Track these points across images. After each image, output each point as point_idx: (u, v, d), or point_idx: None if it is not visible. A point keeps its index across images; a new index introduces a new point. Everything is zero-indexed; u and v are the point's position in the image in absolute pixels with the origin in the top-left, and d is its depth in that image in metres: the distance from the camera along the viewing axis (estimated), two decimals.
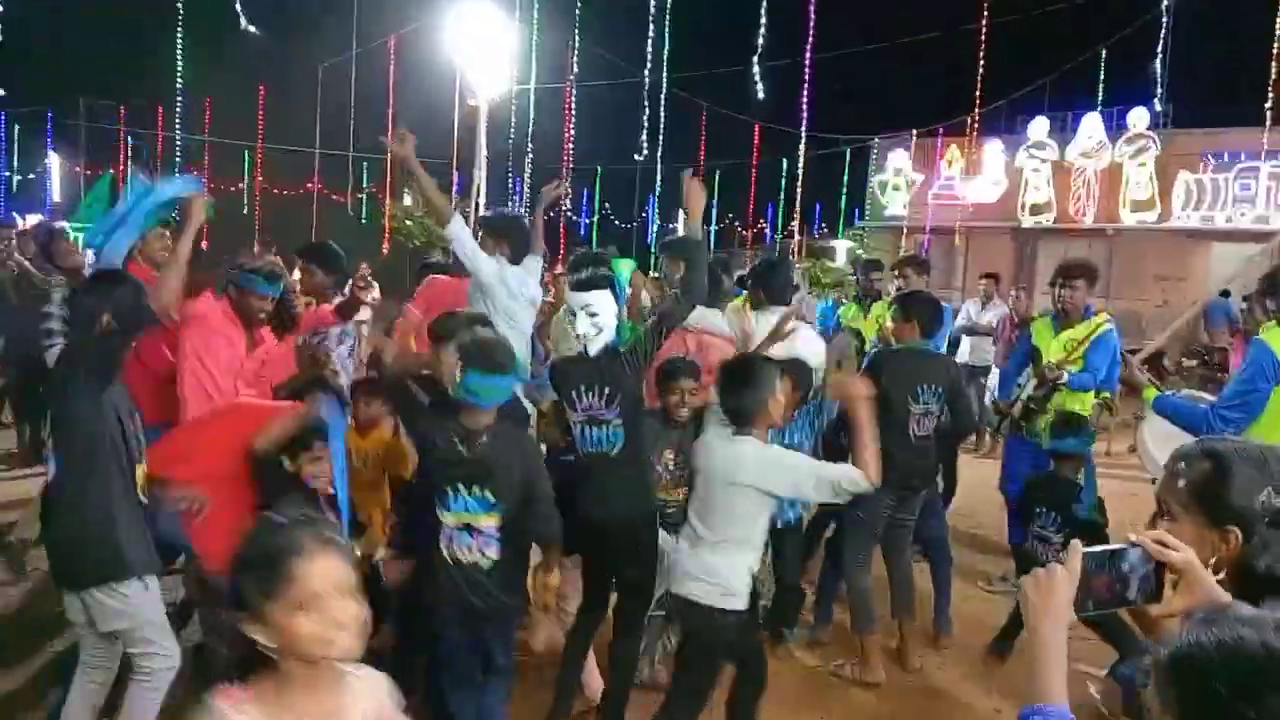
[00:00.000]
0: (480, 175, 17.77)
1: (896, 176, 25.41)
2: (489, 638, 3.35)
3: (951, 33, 18.61)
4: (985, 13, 17.62)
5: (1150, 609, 1.68)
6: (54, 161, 29.26)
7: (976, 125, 21.43)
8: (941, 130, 24.08)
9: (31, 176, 28.77)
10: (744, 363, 3.57)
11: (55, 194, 29.22)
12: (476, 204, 18.04)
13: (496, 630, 3.38)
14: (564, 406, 3.88)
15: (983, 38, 17.91)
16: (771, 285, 5.19)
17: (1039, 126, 22.69)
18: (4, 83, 17.83)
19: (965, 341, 10.32)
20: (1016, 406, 5.75)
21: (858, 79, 29.27)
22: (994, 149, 23.38)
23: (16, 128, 27.08)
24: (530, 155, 21.01)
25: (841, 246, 29.75)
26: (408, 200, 24.20)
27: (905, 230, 24.84)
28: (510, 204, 23.63)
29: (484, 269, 4.76)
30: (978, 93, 19.04)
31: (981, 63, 18.37)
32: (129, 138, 27.99)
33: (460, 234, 4.68)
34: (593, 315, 3.72)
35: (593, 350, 3.75)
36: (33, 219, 19.80)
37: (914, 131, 25.03)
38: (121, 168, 28.10)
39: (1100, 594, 1.63)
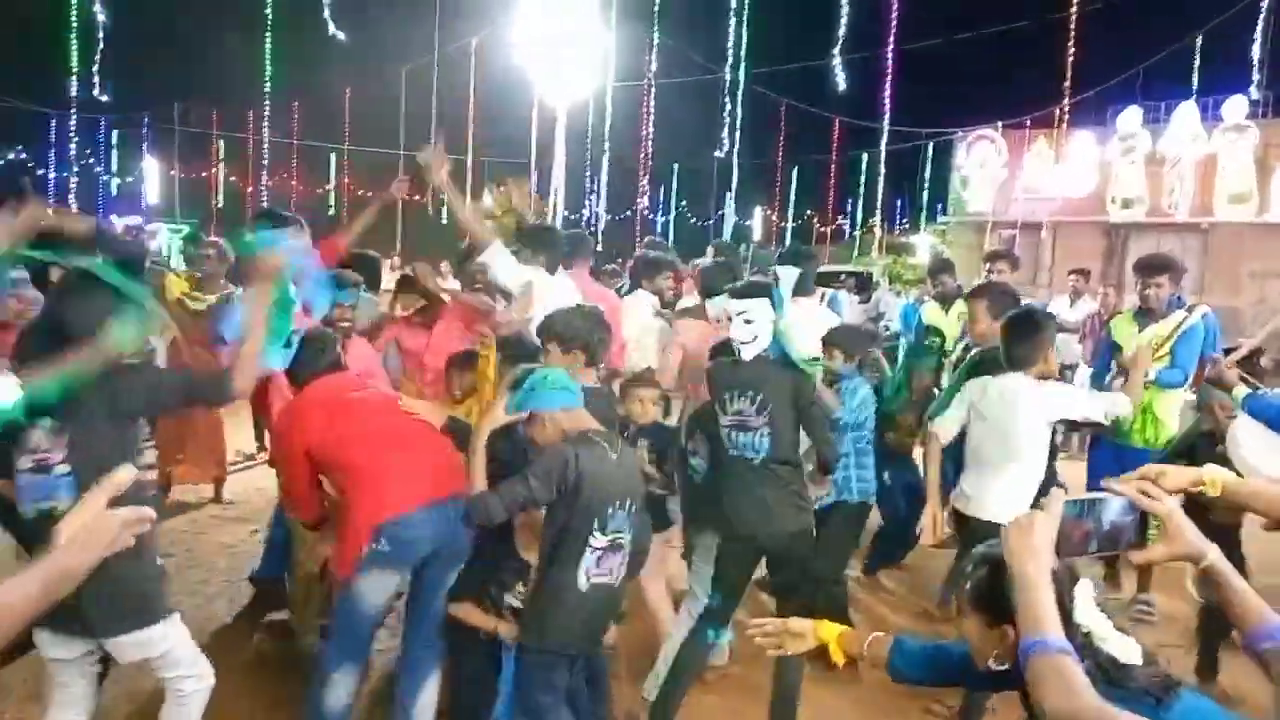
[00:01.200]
0: (558, 176, 17.93)
1: (981, 170, 24.89)
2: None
3: (1040, 22, 18.14)
4: (1075, 1, 17.14)
5: (1132, 556, 1.78)
6: (150, 165, 30.38)
7: (1066, 117, 20.85)
8: (1029, 122, 23.51)
9: (130, 180, 29.89)
10: (1027, 316, 3.99)
11: (151, 196, 30.34)
12: (555, 204, 18.21)
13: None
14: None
15: (1072, 26, 17.40)
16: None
17: (1130, 117, 21.99)
18: (104, 90, 18.54)
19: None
20: None
21: (941, 71, 28.76)
22: (1083, 141, 22.73)
23: (115, 134, 28.15)
24: (607, 155, 21.12)
25: (923, 242, 29.26)
26: (487, 201, 24.52)
27: (990, 225, 24.31)
28: (586, 203, 23.81)
29: (515, 289, 4.72)
30: (1067, 83, 18.51)
31: (1071, 52, 17.85)
32: (221, 141, 28.93)
33: (499, 259, 4.61)
34: (749, 322, 3.75)
35: (746, 356, 3.76)
36: (131, 220, 20.59)
37: (999, 124, 24.47)
38: (213, 170, 29.09)
39: (1076, 540, 1.72)
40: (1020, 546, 1.61)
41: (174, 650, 3.02)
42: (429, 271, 5.30)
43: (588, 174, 22.52)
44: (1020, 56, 25.90)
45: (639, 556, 3.26)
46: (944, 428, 4.08)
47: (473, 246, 4.95)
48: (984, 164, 24.79)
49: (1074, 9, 17.12)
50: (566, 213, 20.97)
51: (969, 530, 3.91)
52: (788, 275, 4.66)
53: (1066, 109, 20.42)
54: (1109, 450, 5.50)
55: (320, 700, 3.22)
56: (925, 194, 27.52)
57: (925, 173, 26.99)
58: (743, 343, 3.74)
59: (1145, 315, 5.54)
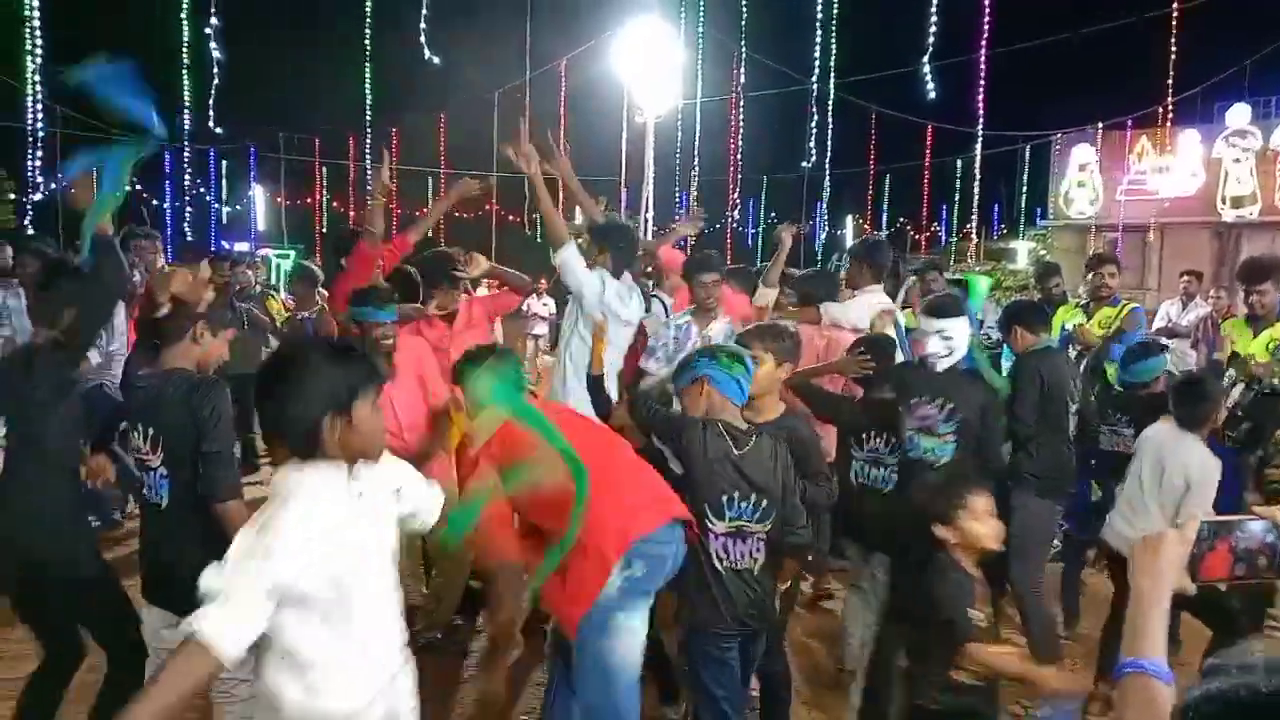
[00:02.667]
0: (648, 190, 18.07)
1: (1081, 173, 24.22)
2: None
3: (1139, 18, 17.58)
4: None
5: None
6: (258, 193, 31.59)
7: (1170, 115, 20.13)
8: (1130, 122, 22.78)
9: (239, 208, 31.10)
10: (1197, 382, 4.25)
11: (260, 223, 31.55)
12: (645, 218, 18.35)
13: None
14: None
15: (1174, 21, 16.82)
16: (875, 262, 5.26)
17: (1239, 113, 21.15)
18: (214, 124, 19.42)
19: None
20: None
21: (1037, 73, 28.07)
22: (1189, 139, 21.94)
23: (224, 164, 29.36)
24: (696, 168, 21.19)
25: (1023, 248, 28.55)
26: (578, 219, 24.83)
27: (1094, 228, 23.60)
28: (678, 216, 23.90)
29: (588, 295, 4.82)
30: (1170, 80, 17.89)
31: (1174, 48, 17.25)
32: (324, 168, 29.93)
33: (570, 261, 4.78)
34: (947, 339, 3.96)
35: (939, 369, 3.97)
36: (241, 246, 21.38)
37: (1099, 124, 23.77)
38: (318, 197, 30.09)
39: (1216, 564, 1.61)
40: (1144, 564, 1.54)
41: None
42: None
43: (676, 188, 22.62)
44: (1120, 54, 25.10)
45: (784, 547, 3.29)
46: None
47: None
48: (1084, 166, 24.11)
49: (1175, 3, 16.55)
50: (656, 227, 21.12)
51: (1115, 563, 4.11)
52: (982, 284, 4.99)
53: (1170, 107, 19.71)
54: (1226, 452, 5.33)
55: None
56: (1023, 199, 26.84)
57: (1023, 177, 26.33)
58: (939, 358, 3.95)
59: (1256, 321, 5.35)
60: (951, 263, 27.62)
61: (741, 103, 20.58)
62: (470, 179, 5.57)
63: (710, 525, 3.10)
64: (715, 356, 3.22)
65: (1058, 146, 24.83)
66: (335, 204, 30.04)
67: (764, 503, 3.15)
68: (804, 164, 21.15)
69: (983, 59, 18.50)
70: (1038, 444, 4.41)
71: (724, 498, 3.11)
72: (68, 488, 3.37)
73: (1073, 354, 6.02)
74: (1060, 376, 4.51)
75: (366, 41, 19.04)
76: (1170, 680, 1.42)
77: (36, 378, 3.26)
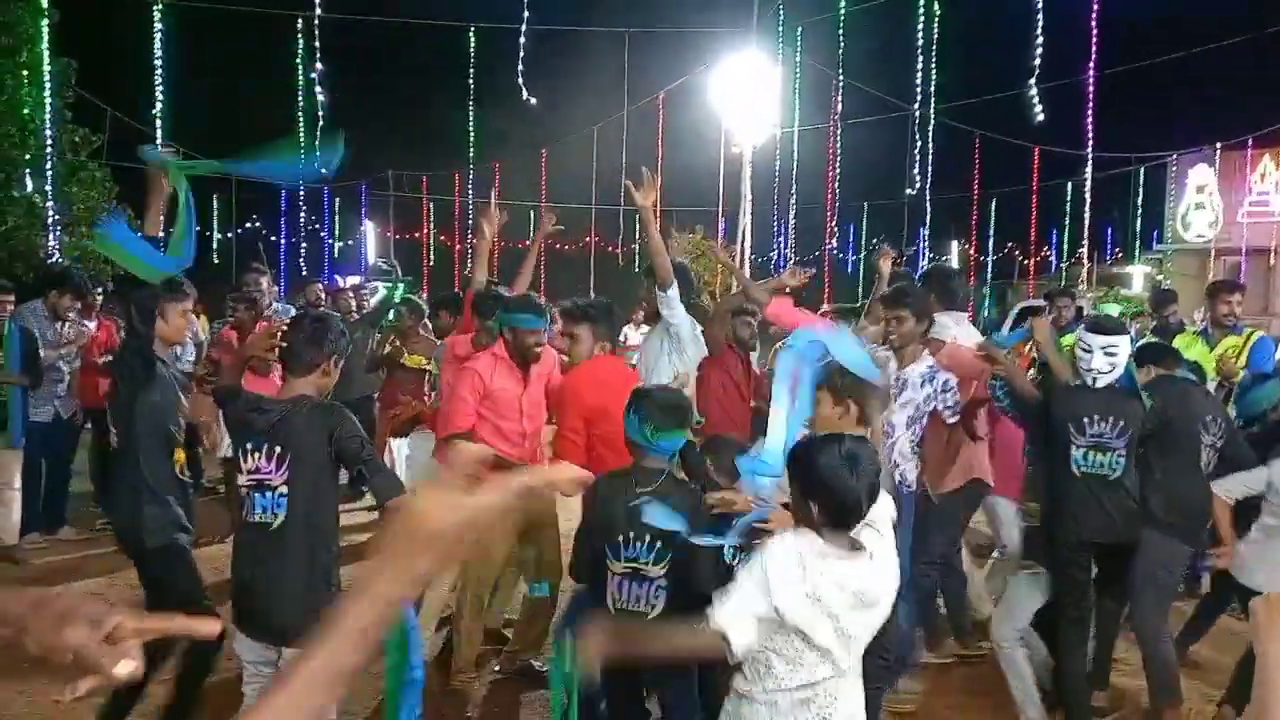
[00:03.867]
0: (745, 220, 18.07)
1: (1199, 194, 23.25)
2: None
3: (1256, 35, 16.85)
4: None
5: None
6: (368, 228, 32.73)
7: None
8: (1251, 140, 21.78)
9: (350, 243, 32.23)
10: None
11: (370, 257, 32.63)
12: (743, 248, 18.33)
13: None
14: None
15: None
16: (948, 289, 5.20)
17: None
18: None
19: None
20: None
21: (1150, 92, 27.14)
22: None
23: (337, 200, 30.49)
24: (794, 196, 21.08)
25: (1138, 272, 27.52)
26: (675, 247, 24.93)
27: (1213, 252, 22.61)
28: (776, 246, 23.79)
29: (685, 329, 5.06)
30: None
31: None
32: (430, 204, 30.82)
33: (675, 298, 4.96)
34: (1110, 355, 4.09)
35: (1101, 384, 4.10)
36: (352, 280, 22.16)
37: (1218, 144, 22.80)
38: (426, 231, 30.98)
39: None
40: (1269, 623, 1.41)
41: None
42: None
43: (774, 217, 22.52)
44: (1238, 71, 24.11)
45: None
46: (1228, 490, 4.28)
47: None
48: (1202, 188, 23.14)
49: None
50: (754, 255, 21.06)
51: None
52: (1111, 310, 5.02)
53: None
54: None
55: None
56: (1138, 222, 25.90)
57: (1137, 200, 25.42)
58: (1101, 373, 4.08)
59: None
60: (1062, 288, 26.77)
61: (839, 130, 20.41)
62: (548, 216, 5.87)
63: (610, 565, 3.21)
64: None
65: (1174, 167, 23.90)
66: (442, 238, 30.86)
67: (657, 545, 3.15)
68: (907, 190, 20.81)
69: (1091, 79, 18.00)
70: (1166, 482, 4.28)
71: (619, 537, 3.19)
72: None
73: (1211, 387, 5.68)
74: (1189, 410, 4.33)
75: (470, 80, 19.57)
76: None
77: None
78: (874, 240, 30.11)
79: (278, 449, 3.23)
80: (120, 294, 4.23)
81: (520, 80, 17.06)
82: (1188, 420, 4.30)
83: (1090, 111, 18.37)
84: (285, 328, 3.52)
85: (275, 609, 3.21)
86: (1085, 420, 4.09)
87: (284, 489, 3.22)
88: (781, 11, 18.58)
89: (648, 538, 3.13)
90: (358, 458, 3.24)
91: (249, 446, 3.26)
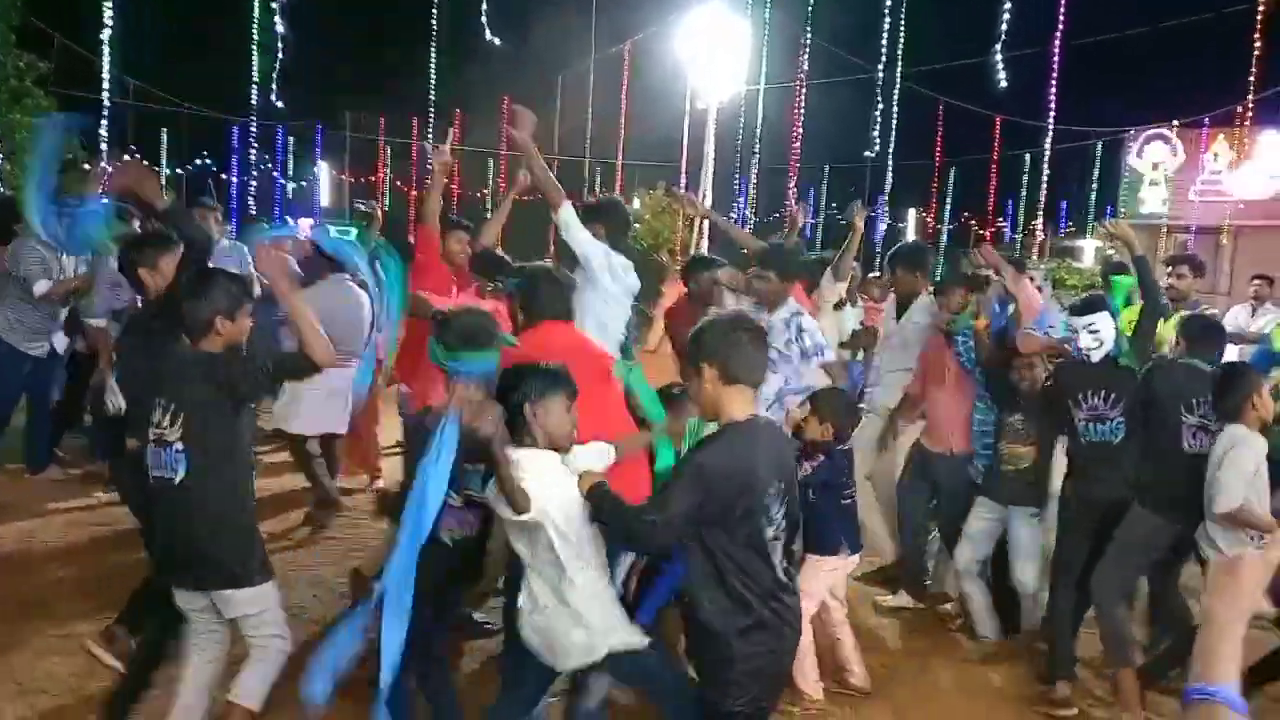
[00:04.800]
0: (707, 177, 18.00)
1: (1154, 171, 23.54)
2: None
3: (1219, 13, 17.01)
4: None
5: None
6: (323, 170, 32.10)
7: (1249, 114, 19.48)
8: (1207, 120, 22.08)
9: (304, 184, 31.61)
10: (1229, 371, 4.38)
11: (324, 199, 32.04)
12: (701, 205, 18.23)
13: None
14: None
15: (1257, 18, 16.25)
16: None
17: None
18: (280, 100, 19.74)
19: (1232, 350, 9.41)
20: None
21: (1111, 67, 27.37)
22: (1269, 139, 21.21)
23: (291, 140, 29.83)
24: (757, 156, 21.01)
25: (1089, 246, 27.89)
26: (637, 204, 24.80)
27: (1165, 229, 22.96)
28: (735, 205, 23.75)
29: (594, 257, 4.42)
30: (1250, 78, 17.28)
31: (1255, 45, 16.66)
32: (388, 147, 30.27)
33: (570, 220, 4.40)
34: (1094, 332, 4.45)
35: (1095, 359, 4.48)
36: (305, 222, 21.78)
37: (1175, 122, 23.08)
38: (381, 174, 30.47)
39: None
40: (1220, 585, 1.48)
41: (270, 610, 3.36)
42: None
43: (736, 176, 22.45)
44: (1199, 51, 24.39)
45: None
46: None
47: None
48: (1158, 165, 23.44)
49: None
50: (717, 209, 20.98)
51: None
52: (1125, 283, 6.02)
53: (1250, 106, 19.06)
54: None
55: None
56: (1093, 196, 26.21)
57: (1094, 174, 25.71)
58: (1090, 350, 4.46)
59: None
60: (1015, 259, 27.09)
61: (804, 90, 20.33)
62: (522, 174, 5.46)
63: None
64: None
65: (1131, 143, 24.16)
66: (398, 182, 30.39)
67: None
68: (866, 153, 20.83)
69: (1056, 51, 18.08)
70: (1145, 456, 4.47)
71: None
72: None
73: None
74: (1171, 388, 4.44)
75: (432, 22, 19.15)
76: (1243, 710, 1.37)
77: None
78: (833, 204, 30.22)
79: (172, 405, 3.22)
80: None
81: (484, 20, 16.71)
82: (1170, 397, 4.41)
83: (1053, 84, 18.49)
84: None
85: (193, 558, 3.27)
86: (1081, 395, 4.51)
87: (179, 445, 3.20)
88: None
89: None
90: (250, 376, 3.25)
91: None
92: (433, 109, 23.58)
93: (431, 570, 2.95)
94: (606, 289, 4.40)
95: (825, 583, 4.37)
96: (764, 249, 5.24)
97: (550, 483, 2.92)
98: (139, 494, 3.67)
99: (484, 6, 16.65)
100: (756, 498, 2.73)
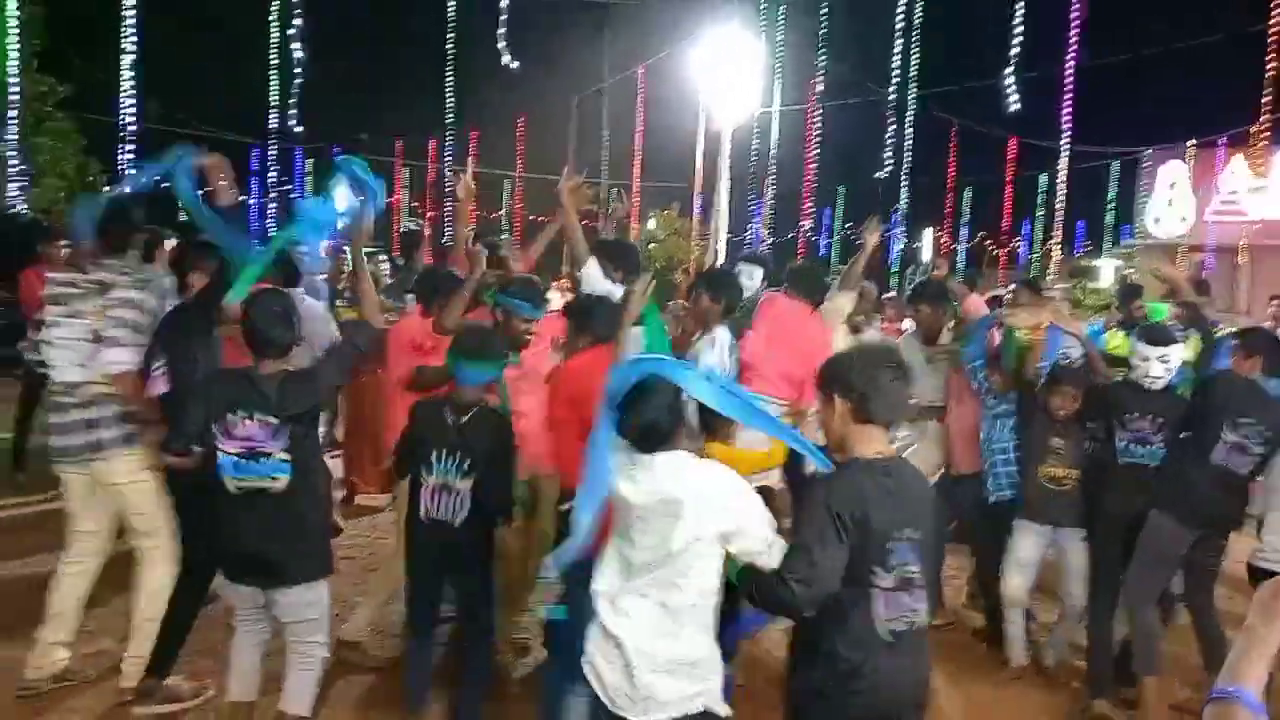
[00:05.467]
0: (722, 198, 18.03)
1: (1171, 191, 23.43)
2: None
3: (1235, 33, 16.96)
4: (1275, 11, 15.95)
5: None
6: (339, 192, 32.31)
7: (1266, 134, 19.38)
8: (1224, 140, 21.98)
9: (320, 199, 31.78)
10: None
11: (340, 221, 32.24)
12: (716, 227, 18.30)
13: None
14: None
15: (1273, 37, 16.19)
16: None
17: None
18: (299, 123, 19.94)
19: None
20: None
21: (1127, 87, 27.32)
22: None
23: (309, 161, 30.07)
24: (773, 177, 21.04)
25: (1107, 266, 27.76)
26: (652, 224, 24.88)
27: (1182, 249, 22.83)
28: (750, 226, 23.77)
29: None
30: (1267, 98, 17.19)
31: (1271, 65, 16.59)
32: (406, 170, 30.49)
33: (592, 274, 4.65)
34: (1165, 362, 4.54)
35: (1158, 387, 4.58)
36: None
37: (1192, 141, 22.98)
38: (397, 197, 30.69)
39: None
40: (1262, 605, 1.58)
41: (324, 616, 3.57)
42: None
43: (750, 197, 22.48)
44: (1215, 70, 24.30)
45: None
46: None
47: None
48: (1174, 185, 23.33)
49: (1274, 19, 15.95)
50: (730, 235, 21.02)
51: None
52: (1160, 310, 6.12)
53: (1266, 126, 18.97)
54: None
55: None
56: (1110, 216, 26.11)
57: (1109, 194, 25.62)
58: (1157, 379, 4.55)
59: None
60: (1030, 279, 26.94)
61: (818, 112, 20.36)
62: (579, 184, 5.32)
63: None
64: None
65: (1147, 163, 24.08)
66: (415, 204, 30.56)
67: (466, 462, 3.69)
68: (876, 174, 20.81)
69: (1070, 71, 18.06)
70: (1175, 461, 4.56)
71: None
72: None
73: None
74: (1217, 403, 4.50)
75: (448, 46, 19.32)
76: (1260, 711, 1.45)
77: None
78: (847, 225, 30.19)
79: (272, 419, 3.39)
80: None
81: (502, 44, 16.83)
82: (1219, 410, 4.45)
83: (1068, 104, 18.46)
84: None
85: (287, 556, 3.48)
86: (1129, 416, 4.62)
87: (284, 455, 3.39)
88: None
89: (458, 454, 3.67)
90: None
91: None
92: (449, 131, 23.74)
93: None
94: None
95: None
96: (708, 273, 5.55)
97: None
98: (195, 498, 3.78)
99: (501, 30, 16.77)
100: (870, 541, 2.56)
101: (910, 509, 2.65)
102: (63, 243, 7.17)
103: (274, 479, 3.34)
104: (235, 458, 3.33)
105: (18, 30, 14.66)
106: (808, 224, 23.33)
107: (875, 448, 2.68)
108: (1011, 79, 15.84)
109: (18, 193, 15.70)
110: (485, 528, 3.85)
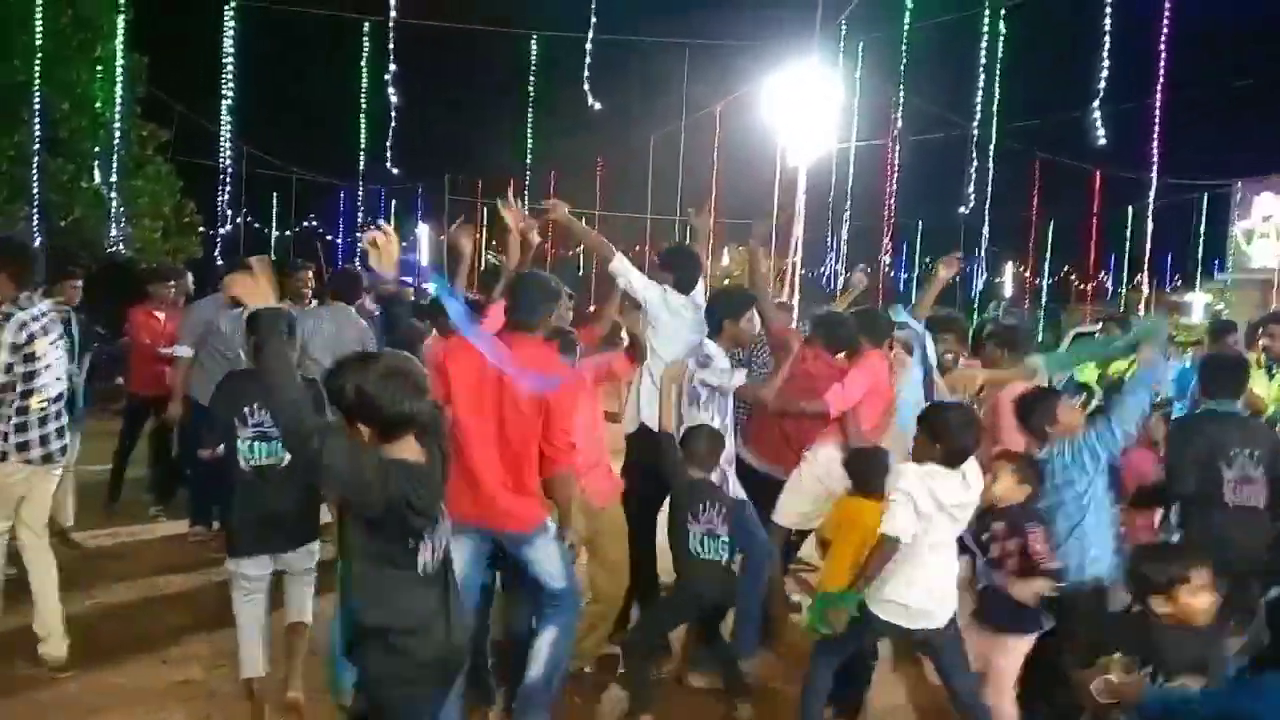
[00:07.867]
0: (798, 234, 17.98)
1: (1265, 223, 22.69)
2: None
3: None
4: None
5: None
6: (423, 231, 33.16)
7: None
8: None
9: (405, 244, 32.64)
10: None
11: (424, 258, 33.06)
12: (794, 262, 18.23)
13: None
14: None
15: None
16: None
17: None
18: (388, 165, 20.58)
19: None
20: None
21: (1218, 118, 26.61)
22: None
23: (394, 202, 30.94)
24: (849, 212, 20.94)
25: (1199, 301, 26.95)
26: (725, 260, 24.92)
27: (1277, 282, 22.06)
28: (827, 261, 23.66)
29: (650, 300, 4.94)
30: None
31: None
32: (485, 209, 31.13)
33: (620, 268, 4.92)
34: None
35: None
36: (407, 279, 22.50)
37: None
38: (479, 235, 31.33)
39: None
40: None
41: (315, 555, 4.18)
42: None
43: (829, 232, 22.39)
44: None
45: None
46: None
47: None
48: (1268, 217, 22.59)
49: None
50: (805, 271, 20.94)
51: None
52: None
53: None
54: None
55: None
56: (1200, 249, 25.38)
57: (1200, 227, 24.93)
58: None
59: None
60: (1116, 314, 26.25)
61: (896, 147, 20.24)
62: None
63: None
64: None
65: (1239, 195, 23.38)
66: (495, 242, 31.14)
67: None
68: (960, 209, 20.54)
69: (1158, 103, 17.66)
70: (1189, 510, 4.45)
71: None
72: None
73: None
74: (1218, 442, 4.37)
75: (530, 88, 19.72)
76: None
77: None
78: (927, 259, 29.83)
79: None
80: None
81: (586, 87, 17.14)
82: (1208, 453, 4.37)
83: (1155, 137, 18.04)
84: None
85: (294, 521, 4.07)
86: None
87: None
88: (844, 27, 18.48)
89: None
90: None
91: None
92: (529, 170, 24.17)
93: None
94: (665, 324, 4.88)
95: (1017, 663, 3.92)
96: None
97: None
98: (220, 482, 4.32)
99: (585, 74, 17.09)
100: None
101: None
102: (171, 284, 7.50)
103: (280, 456, 3.96)
104: (250, 440, 3.97)
105: (121, 76, 15.38)
106: (887, 259, 23.13)
107: None
108: (1096, 112, 15.55)
109: (117, 234, 16.40)
110: None
